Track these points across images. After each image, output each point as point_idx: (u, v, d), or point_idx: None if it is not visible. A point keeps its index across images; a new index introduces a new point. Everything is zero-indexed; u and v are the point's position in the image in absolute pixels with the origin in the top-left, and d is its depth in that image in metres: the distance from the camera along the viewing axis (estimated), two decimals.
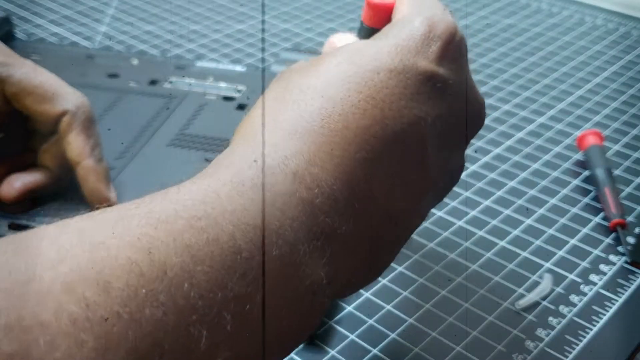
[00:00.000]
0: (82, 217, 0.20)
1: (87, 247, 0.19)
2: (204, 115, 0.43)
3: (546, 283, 0.36)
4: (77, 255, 0.18)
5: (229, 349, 0.20)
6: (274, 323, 0.21)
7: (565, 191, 0.44)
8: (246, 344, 0.20)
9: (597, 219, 0.41)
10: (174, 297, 0.18)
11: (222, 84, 0.46)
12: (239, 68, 0.49)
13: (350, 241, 0.24)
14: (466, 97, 0.27)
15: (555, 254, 0.39)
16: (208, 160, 0.38)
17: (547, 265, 0.38)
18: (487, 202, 0.42)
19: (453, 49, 0.27)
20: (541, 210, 0.42)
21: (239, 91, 0.45)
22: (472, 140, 0.48)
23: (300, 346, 0.33)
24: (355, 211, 0.24)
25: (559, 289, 0.36)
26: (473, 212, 0.42)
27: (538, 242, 0.39)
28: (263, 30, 0.60)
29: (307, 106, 0.24)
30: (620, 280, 0.37)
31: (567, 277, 0.37)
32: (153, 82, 0.46)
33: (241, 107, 0.44)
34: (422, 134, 0.25)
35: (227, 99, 0.44)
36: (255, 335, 0.20)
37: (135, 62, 0.48)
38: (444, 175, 0.28)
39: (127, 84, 0.45)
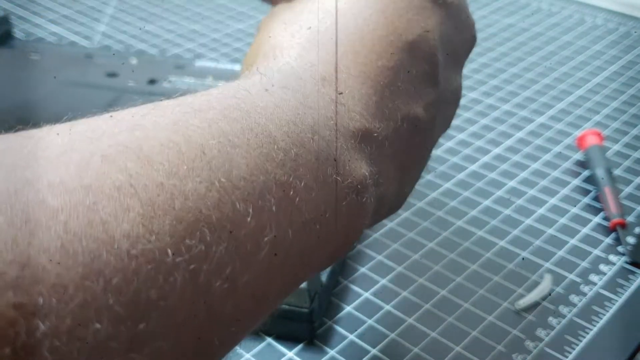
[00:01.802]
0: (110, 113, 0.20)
1: (124, 127, 0.18)
2: None
3: (546, 283, 0.36)
4: (115, 134, 0.18)
5: (275, 230, 0.19)
6: (317, 216, 0.21)
7: (565, 191, 0.43)
8: (291, 229, 0.20)
9: (597, 219, 0.41)
10: (216, 175, 0.18)
11: (222, 84, 0.46)
12: (238, 67, 0.48)
13: (384, 143, 0.24)
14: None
15: (555, 254, 0.39)
16: None
17: (547, 265, 0.38)
18: (486, 202, 0.42)
19: None
20: (541, 210, 0.42)
21: None
22: (472, 140, 0.48)
23: (300, 346, 0.33)
24: (384, 115, 0.24)
25: (558, 289, 0.36)
26: (473, 212, 0.41)
27: (538, 242, 0.39)
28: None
29: (321, 23, 0.25)
30: (620, 281, 0.37)
31: (567, 277, 0.37)
32: (152, 82, 0.46)
33: None
34: (431, 46, 0.26)
35: None
36: (300, 222, 0.20)
37: (134, 61, 0.48)
38: (449, 93, 0.28)
39: (126, 83, 0.45)
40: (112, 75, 0.46)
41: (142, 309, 0.16)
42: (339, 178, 0.22)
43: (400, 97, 0.25)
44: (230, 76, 0.47)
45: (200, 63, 0.48)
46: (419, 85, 0.25)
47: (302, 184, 0.20)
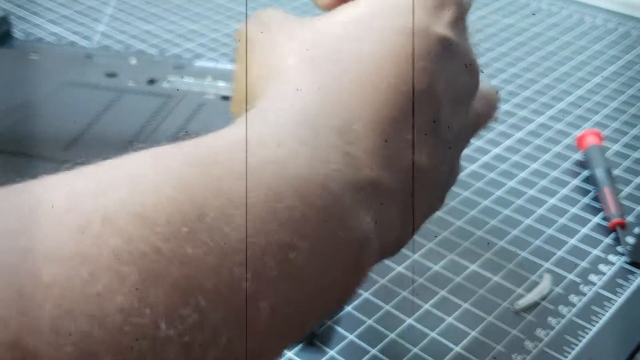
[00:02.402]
0: (115, 158, 0.20)
1: (128, 180, 0.18)
2: (203, 115, 0.43)
3: (545, 283, 0.36)
4: (118, 188, 0.18)
5: (273, 295, 0.19)
6: (319, 275, 0.21)
7: (564, 191, 0.43)
8: (290, 293, 0.20)
9: (596, 219, 0.41)
10: (215, 238, 0.18)
11: (221, 83, 0.46)
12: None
13: (392, 194, 0.24)
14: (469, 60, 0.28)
15: (554, 254, 0.39)
16: None
17: (547, 265, 0.38)
18: (486, 202, 0.42)
19: (461, 11, 0.27)
20: (541, 210, 0.42)
21: None
22: (472, 140, 0.48)
23: (299, 346, 0.33)
24: (391, 166, 0.24)
25: (558, 289, 0.36)
26: (472, 212, 0.41)
27: (537, 242, 0.39)
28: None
29: (335, 63, 0.25)
30: (619, 281, 0.37)
31: (566, 277, 0.37)
32: (151, 82, 0.46)
33: None
34: (437, 95, 0.25)
35: (226, 98, 0.44)
36: (300, 284, 0.20)
37: (133, 61, 0.48)
38: (453, 138, 0.28)
39: (125, 84, 0.45)
40: (111, 75, 0.46)
41: None
42: (343, 234, 0.21)
43: (406, 147, 0.24)
44: (229, 76, 0.47)
45: (199, 63, 0.48)
46: (423, 134, 0.25)
47: (306, 243, 0.20)
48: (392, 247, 0.26)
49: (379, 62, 0.24)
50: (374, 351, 0.33)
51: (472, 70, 0.28)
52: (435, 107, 0.25)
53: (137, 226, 0.17)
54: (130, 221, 0.17)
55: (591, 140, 0.46)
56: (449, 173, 0.28)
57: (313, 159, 0.21)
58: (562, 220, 0.41)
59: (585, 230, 0.40)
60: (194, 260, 0.17)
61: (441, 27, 0.26)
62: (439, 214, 0.41)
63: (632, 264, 0.38)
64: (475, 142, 0.48)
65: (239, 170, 0.20)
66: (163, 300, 0.16)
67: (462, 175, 0.44)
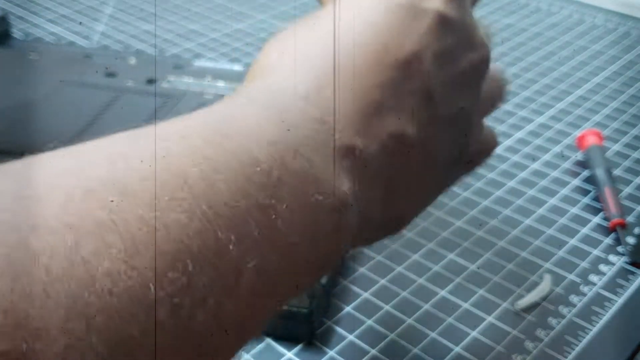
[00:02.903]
0: (94, 140, 0.20)
1: (108, 159, 0.19)
2: None
3: (546, 283, 0.36)
4: (98, 166, 0.18)
5: (257, 257, 0.19)
6: (299, 238, 0.21)
7: (565, 191, 0.43)
8: (273, 255, 0.20)
9: (596, 219, 0.41)
10: (198, 203, 0.18)
11: (221, 83, 0.46)
12: (237, 67, 0.48)
13: (368, 160, 0.24)
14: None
15: (554, 254, 0.39)
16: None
17: (547, 265, 0.38)
18: (486, 202, 0.42)
19: None
20: (541, 210, 0.42)
21: None
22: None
23: (299, 346, 0.33)
24: (368, 132, 0.24)
25: (558, 289, 0.36)
26: (472, 212, 0.41)
27: (538, 243, 0.39)
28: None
29: (314, 41, 0.25)
30: (619, 281, 0.37)
31: (566, 277, 0.37)
32: (151, 81, 0.45)
33: None
34: (425, 63, 0.25)
35: None
36: (281, 246, 0.20)
37: (133, 61, 0.48)
38: (453, 113, 0.27)
39: (124, 83, 0.45)
40: (110, 75, 0.46)
41: (126, 347, 0.16)
42: (320, 197, 0.21)
43: (389, 115, 0.24)
44: (228, 75, 0.47)
45: (199, 63, 0.48)
46: (410, 103, 0.25)
47: (284, 206, 0.20)
48: (376, 223, 0.26)
49: (358, 32, 0.25)
50: (374, 351, 0.33)
51: (477, 47, 0.28)
52: (426, 80, 0.25)
53: (119, 198, 0.18)
54: (111, 193, 0.18)
55: (591, 140, 0.46)
56: (452, 151, 0.28)
57: (285, 124, 0.22)
58: (563, 221, 0.41)
59: (585, 230, 0.40)
60: (178, 226, 0.18)
61: (436, 2, 0.26)
62: (439, 214, 0.41)
63: (632, 264, 0.38)
64: None
65: (217, 138, 0.20)
66: (150, 264, 0.17)
67: None
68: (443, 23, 0.26)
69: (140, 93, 0.44)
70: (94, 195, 0.17)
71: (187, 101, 0.44)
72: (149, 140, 0.20)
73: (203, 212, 0.18)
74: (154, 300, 0.17)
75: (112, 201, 0.17)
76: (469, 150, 0.29)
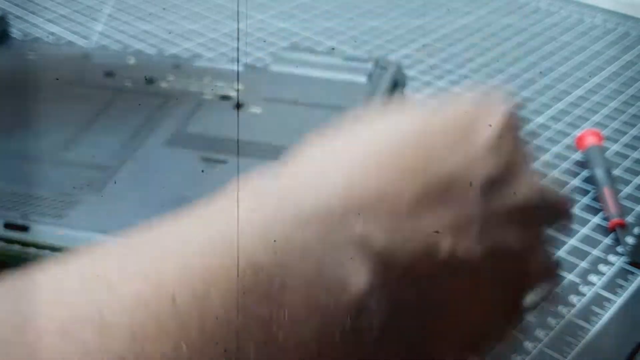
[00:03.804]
0: (85, 250, 0.19)
1: (87, 284, 0.18)
2: (201, 114, 0.42)
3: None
4: (77, 291, 0.17)
5: None
6: (306, 355, 0.19)
7: (564, 191, 0.43)
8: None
9: (596, 219, 0.41)
10: (187, 328, 0.17)
11: (220, 83, 0.46)
12: (236, 67, 0.48)
13: (393, 257, 0.21)
14: None
15: (554, 254, 0.38)
16: (205, 159, 0.38)
17: None
18: None
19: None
20: None
21: (236, 90, 0.45)
22: None
23: None
24: (394, 229, 0.21)
25: (558, 290, 0.36)
26: None
27: None
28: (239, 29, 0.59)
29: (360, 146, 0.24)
30: (619, 281, 0.37)
31: (566, 277, 0.37)
32: (150, 81, 0.45)
33: (238, 106, 0.44)
34: (467, 186, 0.24)
35: (225, 98, 0.44)
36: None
37: (131, 61, 0.48)
38: (498, 247, 0.24)
39: (123, 83, 0.45)
40: (109, 74, 0.46)
41: None
42: (332, 300, 0.19)
43: (420, 221, 0.21)
44: (227, 75, 0.47)
45: (198, 63, 0.48)
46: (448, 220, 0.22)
47: (287, 315, 0.18)
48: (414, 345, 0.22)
49: (401, 140, 0.23)
50: None
51: (523, 184, 0.26)
52: (463, 194, 0.23)
53: (95, 335, 0.17)
54: (86, 329, 0.17)
55: (591, 140, 0.46)
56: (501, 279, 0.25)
57: (297, 219, 0.20)
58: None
59: (585, 230, 0.40)
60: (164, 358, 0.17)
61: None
62: None
63: (631, 264, 0.38)
64: None
65: (215, 249, 0.19)
66: None
67: None
68: (497, 152, 0.24)
69: (139, 93, 0.44)
70: (68, 332, 0.17)
71: (186, 101, 0.44)
72: (143, 258, 0.19)
73: (191, 339, 0.17)
74: None
75: (87, 337, 0.16)
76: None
